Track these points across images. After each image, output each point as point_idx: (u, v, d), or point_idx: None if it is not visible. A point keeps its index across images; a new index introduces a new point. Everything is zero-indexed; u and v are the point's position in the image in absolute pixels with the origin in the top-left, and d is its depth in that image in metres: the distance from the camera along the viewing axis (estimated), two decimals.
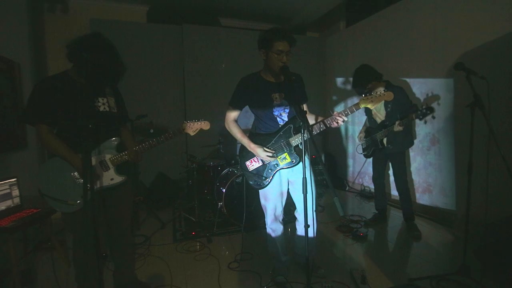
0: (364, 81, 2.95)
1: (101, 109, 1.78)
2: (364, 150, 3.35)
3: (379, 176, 3.30)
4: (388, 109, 2.97)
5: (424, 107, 2.77)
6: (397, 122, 2.81)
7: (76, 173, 1.73)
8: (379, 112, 3.07)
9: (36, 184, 1.72)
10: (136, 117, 3.47)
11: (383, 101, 2.89)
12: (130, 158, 1.84)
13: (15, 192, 2.45)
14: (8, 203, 2.38)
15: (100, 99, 1.78)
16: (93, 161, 1.75)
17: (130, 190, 2.01)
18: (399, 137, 2.96)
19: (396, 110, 2.91)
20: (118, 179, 1.83)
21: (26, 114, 1.68)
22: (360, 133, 3.33)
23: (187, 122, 1.97)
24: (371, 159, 3.37)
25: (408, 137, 3.08)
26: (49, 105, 1.63)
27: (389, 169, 3.36)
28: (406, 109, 2.90)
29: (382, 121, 3.04)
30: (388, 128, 2.93)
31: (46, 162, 1.76)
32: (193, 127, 1.98)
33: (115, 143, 1.82)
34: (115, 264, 2.06)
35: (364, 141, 3.31)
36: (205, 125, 2.01)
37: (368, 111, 3.21)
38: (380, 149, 3.08)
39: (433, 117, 2.81)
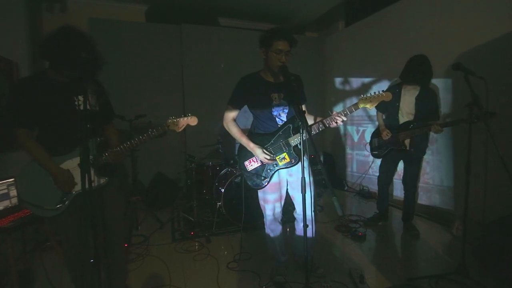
0: (427, 76, 2.71)
1: (81, 108, 1.67)
2: (375, 149, 3.13)
3: (387, 178, 3.17)
4: (418, 111, 2.82)
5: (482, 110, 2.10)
6: (438, 122, 2.63)
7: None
8: (407, 110, 2.88)
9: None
10: (135, 116, 3.46)
11: (414, 101, 2.81)
12: (111, 159, 1.73)
13: (13, 192, 2.43)
14: (6, 203, 2.37)
15: (80, 98, 1.66)
16: (71, 164, 1.65)
17: (117, 192, 1.90)
18: (422, 142, 2.88)
19: (425, 112, 2.79)
20: (98, 181, 1.72)
21: (5, 118, 1.63)
22: (384, 131, 2.96)
23: (172, 118, 1.84)
24: (372, 160, 3.26)
25: (426, 141, 3.00)
26: (26, 108, 1.58)
27: (396, 171, 3.29)
28: (435, 113, 2.82)
29: (408, 121, 2.86)
30: (420, 129, 2.73)
31: (24, 167, 1.70)
32: (179, 124, 1.84)
33: (95, 143, 1.72)
34: (106, 272, 1.95)
35: (375, 140, 3.11)
36: (192, 121, 1.87)
37: (390, 108, 2.94)
38: (400, 150, 2.90)
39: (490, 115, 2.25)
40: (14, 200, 2.43)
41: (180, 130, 1.86)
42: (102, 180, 1.74)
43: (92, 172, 1.63)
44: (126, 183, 3.76)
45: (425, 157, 3.54)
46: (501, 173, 1.85)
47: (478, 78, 1.97)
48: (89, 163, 1.41)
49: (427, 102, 2.81)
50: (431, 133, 3.41)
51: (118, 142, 1.80)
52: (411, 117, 2.87)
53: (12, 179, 2.44)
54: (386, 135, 2.95)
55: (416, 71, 2.70)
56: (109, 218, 1.83)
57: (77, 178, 1.64)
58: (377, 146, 3.11)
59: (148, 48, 4.44)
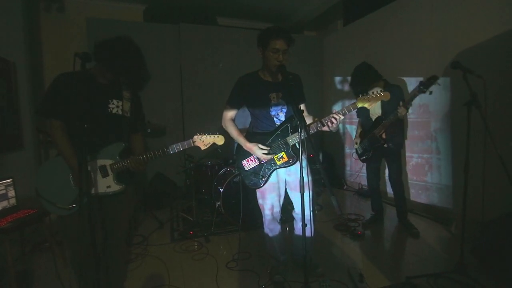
0: (365, 82, 2.90)
1: (114, 111, 1.71)
2: (362, 154, 3.20)
3: (375, 177, 3.24)
4: (385, 107, 2.93)
5: (425, 78, 2.54)
6: (401, 103, 2.69)
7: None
8: (375, 111, 3.02)
9: (33, 184, 1.69)
10: None
11: (379, 102, 2.87)
12: (131, 166, 1.72)
13: (11, 192, 2.43)
14: (4, 203, 2.37)
15: (114, 101, 1.72)
16: (92, 165, 1.66)
17: (129, 201, 1.87)
18: (396, 135, 2.96)
19: (393, 108, 2.84)
20: (115, 187, 1.70)
21: (42, 108, 1.65)
22: (355, 138, 3.24)
23: (199, 135, 1.81)
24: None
25: (402, 136, 3.08)
26: (63, 100, 1.59)
27: (384, 168, 3.33)
28: (398, 104, 2.82)
29: (378, 118, 2.97)
30: (389, 119, 2.80)
31: (47, 161, 1.73)
32: (205, 141, 1.80)
33: (119, 149, 1.72)
34: (105, 273, 1.93)
35: (359, 146, 3.19)
36: (219, 140, 1.83)
37: (363, 112, 3.12)
38: (381, 145, 2.96)
39: (439, 84, 2.53)
40: (13, 201, 2.43)
41: (205, 148, 1.82)
42: (120, 187, 1.72)
43: (111, 176, 1.68)
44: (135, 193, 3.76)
45: (424, 155, 3.56)
46: (499, 172, 1.86)
47: (476, 76, 1.97)
48: (86, 165, 1.42)
49: (393, 98, 2.83)
50: (430, 132, 3.45)
51: (142, 152, 1.80)
52: (380, 114, 3.00)
53: (10, 179, 2.44)
54: (356, 142, 3.23)
55: (357, 78, 2.99)
56: (116, 223, 1.82)
57: (94, 179, 1.66)
58: (363, 151, 3.17)
59: (146, 48, 4.29)
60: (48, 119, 1.65)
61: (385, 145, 2.97)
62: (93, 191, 1.65)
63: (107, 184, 1.69)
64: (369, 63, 3.07)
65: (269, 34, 1.89)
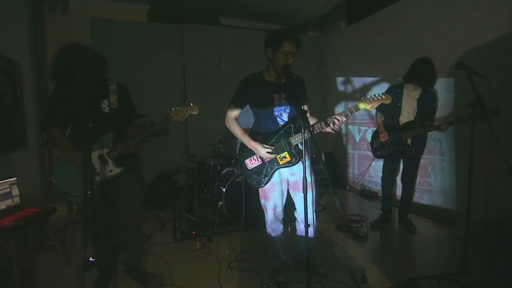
0: (432, 79, 2.80)
1: (106, 110, 1.97)
2: (378, 149, 3.12)
3: (390, 178, 3.20)
4: (419, 111, 2.88)
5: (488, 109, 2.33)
6: (446, 122, 2.68)
7: None
8: (409, 112, 2.93)
9: (37, 182, 1.76)
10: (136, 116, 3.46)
11: (416, 102, 2.88)
12: (122, 150, 1.95)
13: (15, 191, 2.45)
14: (8, 202, 2.38)
15: (105, 101, 1.97)
16: (93, 156, 1.93)
17: (133, 180, 2.13)
18: (422, 140, 2.95)
19: (426, 113, 2.87)
20: (116, 170, 1.99)
21: (45, 120, 1.99)
22: (382, 133, 3.03)
23: (174, 108, 2.00)
24: (372, 159, 3.30)
25: (425, 142, 3.06)
26: (60, 111, 1.91)
27: (399, 170, 3.31)
28: (433, 114, 2.90)
29: (410, 121, 2.91)
30: (425, 128, 2.80)
31: (58, 160, 2.03)
32: (181, 113, 2.00)
33: (110, 138, 1.98)
34: (123, 252, 2.39)
35: (377, 140, 3.11)
36: (193, 109, 2.01)
37: (394, 108, 2.97)
38: (402, 149, 2.92)
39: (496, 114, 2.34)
40: (17, 199, 2.45)
41: (182, 120, 2.03)
42: (120, 169, 2.00)
43: (110, 162, 2.00)
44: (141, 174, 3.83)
45: (428, 157, 3.55)
46: (504, 173, 1.84)
47: (481, 77, 1.96)
48: (90, 157, 1.68)
49: (427, 104, 2.88)
50: (434, 133, 3.43)
51: (133, 136, 2.00)
52: (411, 118, 2.92)
53: (15, 178, 2.46)
54: (383, 137, 3.01)
55: (421, 74, 2.77)
56: (126, 203, 2.09)
57: (97, 168, 1.97)
58: (380, 146, 3.11)
59: (149, 48, 4.44)
60: (50, 128, 1.97)
61: (408, 148, 2.92)
62: (98, 178, 1.96)
63: (108, 169, 1.99)
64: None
65: (282, 36, 1.90)
